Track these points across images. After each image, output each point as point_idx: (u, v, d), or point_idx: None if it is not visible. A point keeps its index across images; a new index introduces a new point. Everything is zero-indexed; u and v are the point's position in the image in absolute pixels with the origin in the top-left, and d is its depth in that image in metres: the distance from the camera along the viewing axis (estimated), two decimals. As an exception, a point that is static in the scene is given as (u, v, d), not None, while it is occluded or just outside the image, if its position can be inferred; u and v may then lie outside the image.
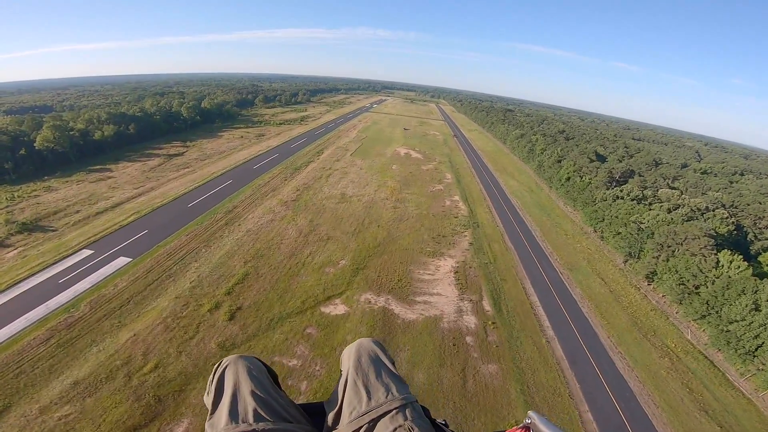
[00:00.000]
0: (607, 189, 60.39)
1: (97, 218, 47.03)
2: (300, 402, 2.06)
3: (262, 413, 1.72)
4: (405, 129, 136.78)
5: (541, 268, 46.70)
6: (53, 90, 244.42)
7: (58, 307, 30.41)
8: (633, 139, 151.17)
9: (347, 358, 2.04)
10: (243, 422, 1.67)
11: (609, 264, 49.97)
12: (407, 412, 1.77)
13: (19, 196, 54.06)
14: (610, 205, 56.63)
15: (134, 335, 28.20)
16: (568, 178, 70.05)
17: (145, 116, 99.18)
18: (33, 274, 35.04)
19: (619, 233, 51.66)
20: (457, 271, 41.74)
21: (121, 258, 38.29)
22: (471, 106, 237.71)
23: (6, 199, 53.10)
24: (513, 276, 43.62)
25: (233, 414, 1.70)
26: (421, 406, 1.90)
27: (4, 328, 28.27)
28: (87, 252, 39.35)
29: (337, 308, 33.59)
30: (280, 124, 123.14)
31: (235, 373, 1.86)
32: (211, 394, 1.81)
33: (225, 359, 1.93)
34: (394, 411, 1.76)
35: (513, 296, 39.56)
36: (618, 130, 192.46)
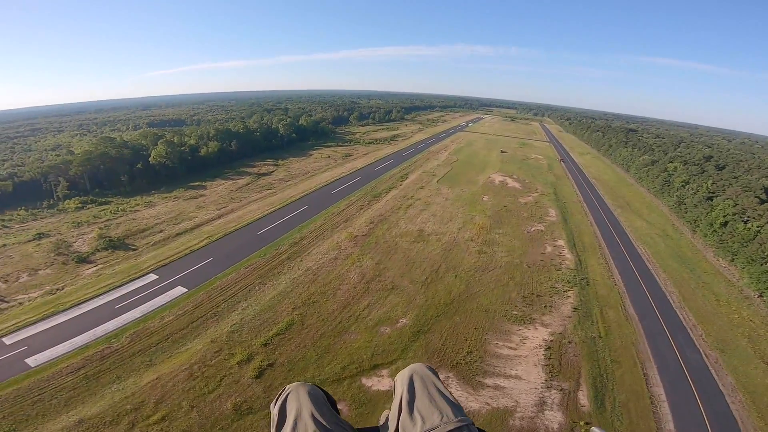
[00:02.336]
0: (794, 248, 42.43)
1: (175, 240, 47.37)
2: (358, 427, 2.12)
3: None
4: (502, 152, 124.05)
5: (676, 347, 33.41)
6: (190, 105, 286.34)
7: (103, 336, 30.10)
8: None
9: (401, 382, 2.10)
10: None
11: (781, 345, 34.10)
12: None
13: (122, 210, 58.38)
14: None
15: (157, 378, 26.29)
16: (725, 223, 52.19)
17: (247, 132, 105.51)
18: (98, 296, 35.35)
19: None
20: (549, 347, 31.19)
21: (179, 288, 36.90)
22: (582, 125, 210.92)
23: (111, 212, 57.65)
24: (631, 357, 31.49)
25: None
26: (478, 428, 1.89)
27: (48, 350, 28.67)
28: (152, 277, 38.97)
29: (381, 382, 26.67)
30: (369, 143, 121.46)
31: (297, 399, 1.97)
32: (275, 420, 1.92)
33: (288, 386, 2.09)
34: None
35: (626, 386, 28.21)
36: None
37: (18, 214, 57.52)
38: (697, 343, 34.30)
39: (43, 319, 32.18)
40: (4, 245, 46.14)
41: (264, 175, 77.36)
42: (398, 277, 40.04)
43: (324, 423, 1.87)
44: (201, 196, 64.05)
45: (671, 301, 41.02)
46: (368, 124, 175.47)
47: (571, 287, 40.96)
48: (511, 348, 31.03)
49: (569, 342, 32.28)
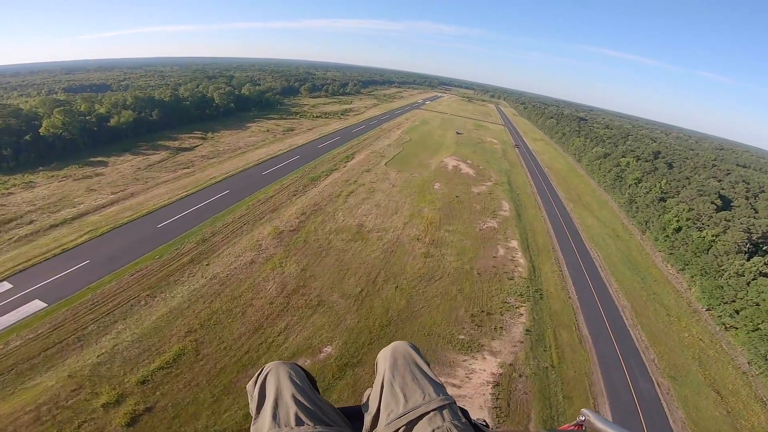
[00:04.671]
0: (748, 258, 40.92)
1: (48, 234, 37.06)
2: (339, 406, 2.08)
3: (303, 417, 1.75)
4: (458, 133, 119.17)
5: (629, 375, 30.37)
6: (124, 69, 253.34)
7: None
8: (738, 165, 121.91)
9: (383, 360, 2.06)
10: (285, 426, 1.71)
11: (728, 367, 33.12)
12: (445, 413, 1.75)
13: (-9, 192, 46.12)
14: (749, 283, 37.86)
15: None
16: (679, 229, 50.53)
17: (175, 101, 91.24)
18: None
19: (758, 329, 33.96)
20: (497, 383, 26.43)
21: (36, 302, 28.01)
22: (536, 111, 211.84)
23: (-25, 195, 45.30)
24: (584, 391, 27.88)
25: (276, 418, 1.74)
26: (460, 407, 1.89)
27: None
28: (6, 286, 29.71)
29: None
30: (317, 117, 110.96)
31: (276, 379, 1.92)
32: (255, 400, 1.87)
33: (267, 365, 2.01)
34: (432, 412, 1.74)
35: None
36: (715, 152, 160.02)
37: None
38: (649, 369, 31.50)
39: None
40: None
41: (185, 150, 66.03)
42: (327, 288, 33.21)
43: (305, 403, 1.82)
44: (98, 175, 52.47)
45: (624, 318, 38.15)
46: (320, 96, 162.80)
47: (524, 302, 36.43)
48: (455, 386, 25.73)
49: (520, 376, 27.65)
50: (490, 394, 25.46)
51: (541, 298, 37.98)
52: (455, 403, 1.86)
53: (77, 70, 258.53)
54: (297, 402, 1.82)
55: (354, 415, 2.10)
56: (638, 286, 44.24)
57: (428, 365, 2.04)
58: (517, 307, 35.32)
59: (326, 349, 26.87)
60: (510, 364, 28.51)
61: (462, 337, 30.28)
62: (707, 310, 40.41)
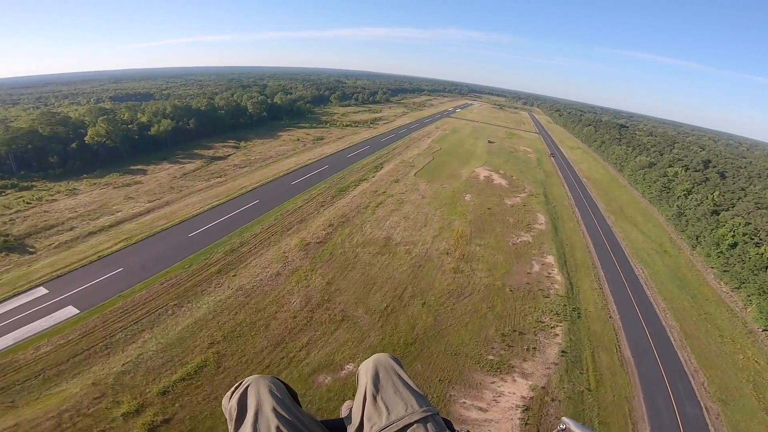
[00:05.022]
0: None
1: (86, 241, 38.38)
2: (321, 420, 2.07)
3: (285, 431, 1.72)
4: (489, 142, 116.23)
5: (675, 400, 27.70)
6: (167, 78, 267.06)
7: None
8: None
9: (364, 373, 2.05)
10: None
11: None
12: (428, 424, 1.75)
13: (38, 199, 48.55)
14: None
15: (15, 425, 20.48)
16: (734, 244, 46.09)
17: (211, 110, 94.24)
18: None
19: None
20: (527, 408, 24.52)
21: (69, 308, 28.70)
22: (573, 118, 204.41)
23: (23, 201, 47.67)
24: (623, 417, 25.65)
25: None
26: (443, 418, 1.89)
27: None
28: (41, 291, 30.54)
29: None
30: (347, 126, 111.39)
31: (257, 393, 1.88)
32: (234, 413, 1.83)
33: (246, 379, 1.98)
34: (416, 424, 1.74)
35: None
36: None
37: None
38: (698, 393, 28.62)
39: None
40: None
41: (218, 159, 67.60)
42: (352, 303, 32.19)
43: (286, 416, 1.79)
44: (136, 183, 54.34)
45: (672, 339, 34.87)
46: (350, 105, 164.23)
47: (560, 321, 34.01)
48: (481, 409, 24.05)
49: (552, 400, 25.64)
50: (519, 419, 23.56)
51: (579, 317, 35.37)
52: (438, 414, 1.84)
53: (124, 79, 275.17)
54: (278, 415, 1.77)
55: (336, 427, 2.06)
56: (688, 305, 40.49)
57: (410, 377, 2.00)
58: (552, 327, 33.04)
59: (348, 366, 25.75)
60: (542, 387, 26.51)
61: (491, 357, 28.49)
62: (764, 330, 36.56)
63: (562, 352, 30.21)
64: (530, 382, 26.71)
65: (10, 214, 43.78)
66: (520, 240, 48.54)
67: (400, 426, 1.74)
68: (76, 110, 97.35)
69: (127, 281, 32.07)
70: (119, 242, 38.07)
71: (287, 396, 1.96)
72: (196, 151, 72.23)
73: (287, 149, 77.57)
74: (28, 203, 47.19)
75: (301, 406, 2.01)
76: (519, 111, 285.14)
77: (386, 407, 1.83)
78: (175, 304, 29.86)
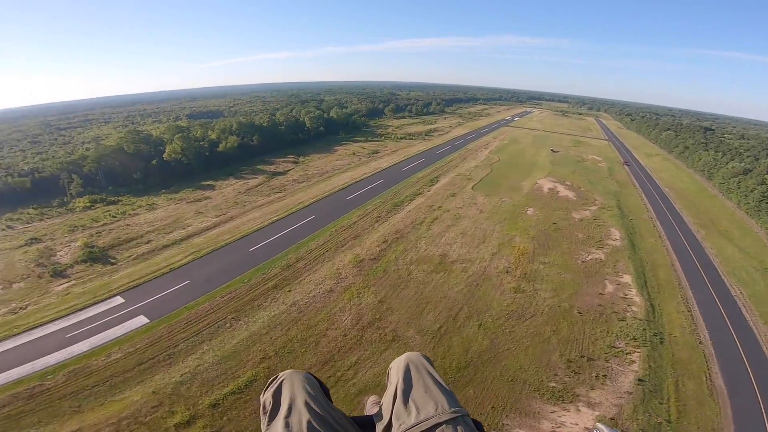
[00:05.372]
0: None
1: (160, 253, 41.32)
2: (351, 416, 2.09)
3: (315, 425, 1.75)
4: (553, 151, 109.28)
5: None
6: (234, 96, 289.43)
7: (41, 370, 25.74)
8: None
9: (396, 370, 2.05)
10: None
11: None
12: (458, 426, 1.72)
13: (122, 213, 53.55)
14: None
15: (78, 429, 21.76)
16: None
17: (272, 126, 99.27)
18: (54, 320, 30.49)
19: None
20: None
21: (141, 317, 30.80)
22: (647, 123, 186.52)
23: (111, 215, 52.96)
24: None
25: (288, 425, 1.75)
26: (473, 419, 1.87)
27: None
28: (117, 300, 33.13)
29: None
30: (401, 138, 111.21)
31: (291, 387, 1.93)
32: (269, 406, 1.89)
33: (281, 374, 2.04)
34: (444, 425, 1.72)
35: None
36: None
37: (27, 213, 54.65)
38: None
39: None
40: None
41: (279, 174, 70.43)
42: (403, 323, 30.88)
43: (318, 411, 1.83)
44: (205, 198, 58.04)
45: None
46: (404, 117, 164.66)
47: (639, 347, 30.08)
48: None
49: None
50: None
51: (662, 342, 31.02)
52: (468, 415, 1.81)
53: (199, 97, 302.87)
54: (310, 410, 1.81)
55: (366, 424, 2.07)
56: (799, 335, 33.65)
57: (441, 377, 2.00)
58: (628, 353, 29.29)
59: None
60: (611, 418, 23.50)
61: (553, 384, 25.71)
62: None
63: (639, 380, 26.72)
64: (597, 413, 23.75)
65: (98, 227, 48.67)
66: (590, 257, 44.01)
67: (429, 425, 1.71)
68: (157, 128, 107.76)
69: (193, 293, 33.77)
70: (188, 255, 40.44)
71: (320, 391, 1.99)
72: (258, 166, 76.00)
73: (343, 163, 78.95)
74: (113, 217, 52.22)
75: (332, 402, 2.04)
76: (584, 117, 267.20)
77: (416, 406, 1.81)
78: (233, 318, 30.77)
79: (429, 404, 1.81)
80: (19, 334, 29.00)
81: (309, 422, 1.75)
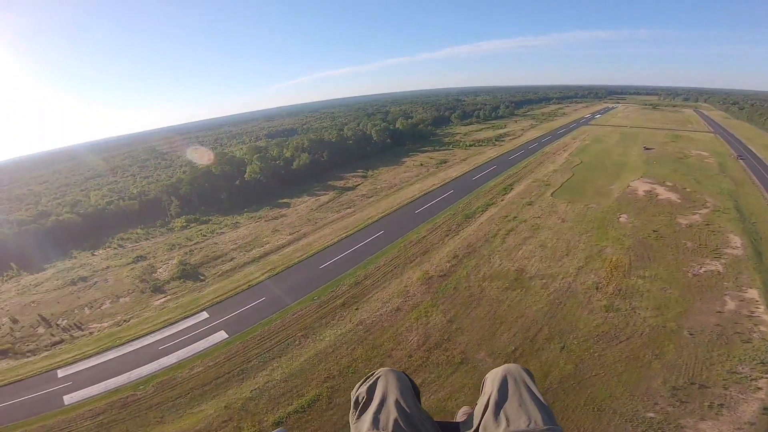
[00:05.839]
0: None
1: (241, 270, 44.17)
2: (437, 420, 2.08)
3: (402, 424, 1.77)
4: (646, 148, 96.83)
5: None
6: (306, 114, 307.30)
7: (135, 380, 28.24)
8: None
9: (491, 380, 2.02)
10: (383, 429, 1.76)
11: None
12: None
13: (211, 232, 58.34)
14: None
15: None
16: None
17: (341, 141, 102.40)
18: (151, 332, 33.59)
19: None
20: None
21: (221, 332, 32.78)
22: (761, 110, 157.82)
23: (202, 234, 58.00)
24: None
25: (376, 421, 1.80)
26: None
27: (85, 389, 27.85)
28: (203, 315, 35.75)
29: None
30: (470, 145, 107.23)
31: (385, 384, 1.98)
32: (361, 400, 1.96)
33: (378, 370, 2.10)
34: None
35: None
36: None
37: (136, 233, 62.35)
38: None
39: (98, 353, 31.73)
40: (108, 267, 48.84)
41: (348, 189, 71.75)
42: (474, 344, 28.47)
43: (407, 411, 1.84)
44: (282, 216, 61.02)
45: None
46: (471, 123, 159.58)
47: (767, 372, 24.26)
48: None
49: None
50: None
51: None
52: None
53: (275, 116, 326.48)
54: (399, 408, 1.83)
55: (451, 430, 2.09)
56: None
57: (540, 391, 1.91)
58: (753, 379, 23.86)
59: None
60: None
61: (651, 415, 21.77)
62: None
63: (765, 408, 21.73)
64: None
65: (191, 245, 53.45)
66: (703, 270, 36.92)
67: None
68: (240, 149, 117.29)
69: (268, 310, 35.12)
70: (265, 272, 42.38)
71: (411, 392, 2.02)
72: (329, 182, 78.40)
73: (411, 175, 78.04)
74: (204, 236, 57.12)
75: (421, 404, 2.06)
76: (680, 109, 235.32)
77: (507, 418, 1.76)
78: (302, 335, 31.19)
79: (522, 418, 1.72)
80: (121, 345, 32.21)
81: (396, 420, 1.77)
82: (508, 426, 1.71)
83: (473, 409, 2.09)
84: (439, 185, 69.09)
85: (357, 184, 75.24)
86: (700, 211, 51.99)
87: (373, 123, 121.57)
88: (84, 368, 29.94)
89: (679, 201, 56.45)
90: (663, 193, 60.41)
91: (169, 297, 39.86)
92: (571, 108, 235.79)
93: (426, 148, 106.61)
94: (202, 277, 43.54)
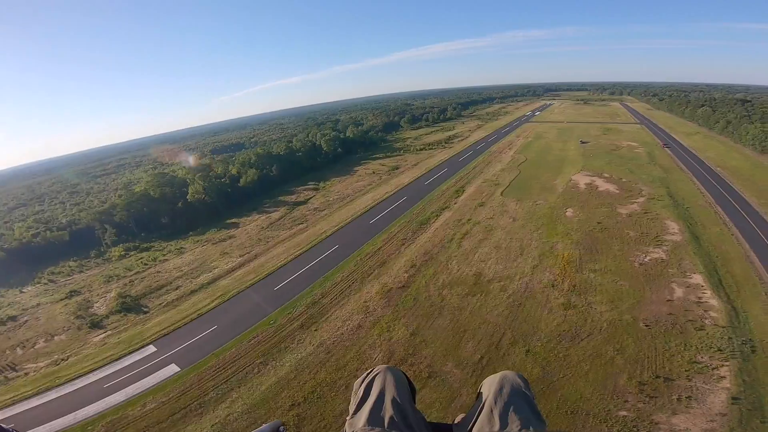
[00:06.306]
0: None
1: (188, 299, 40.94)
2: (431, 421, 2.12)
3: (397, 422, 1.81)
4: (582, 142, 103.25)
5: None
6: (254, 126, 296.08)
7: (82, 420, 26.11)
8: None
9: (488, 386, 2.04)
10: (378, 427, 1.79)
11: None
12: None
13: (153, 260, 53.82)
14: None
15: None
16: None
17: (290, 154, 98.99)
18: (93, 370, 31.05)
19: None
20: None
21: (172, 366, 30.47)
22: (677, 101, 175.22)
23: (141, 263, 53.22)
24: None
25: (372, 417, 1.82)
26: None
27: None
28: (151, 349, 33.15)
29: None
30: (421, 149, 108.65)
31: (382, 381, 2.01)
32: (359, 396, 1.98)
33: (377, 367, 2.13)
34: None
35: None
36: None
37: (68, 266, 56.34)
38: None
39: (37, 393, 29.04)
40: (38, 304, 44.39)
41: (300, 204, 69.34)
42: (440, 356, 27.84)
43: (402, 409, 1.88)
44: (230, 237, 57.47)
45: None
46: (421, 127, 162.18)
47: (726, 359, 25.54)
48: None
49: None
50: None
51: (754, 352, 26.25)
52: None
53: (220, 131, 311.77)
54: (395, 407, 1.86)
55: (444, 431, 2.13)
56: None
57: (534, 399, 1.96)
58: (714, 368, 24.89)
59: None
60: None
61: (624, 413, 22.04)
62: None
63: (733, 398, 22.54)
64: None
65: (131, 276, 49.04)
66: (649, 258, 39.11)
67: None
68: (182, 168, 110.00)
69: (221, 339, 32.72)
70: (215, 299, 39.46)
71: (407, 391, 2.04)
72: (280, 198, 75.46)
73: (364, 184, 77.05)
74: (145, 264, 52.51)
75: (415, 403, 2.09)
76: (608, 103, 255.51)
77: (501, 422, 1.78)
78: (260, 362, 29.32)
79: (515, 423, 1.76)
80: (62, 384, 29.62)
81: (391, 418, 1.81)
82: (501, 430, 1.74)
83: (466, 414, 2.13)
84: (392, 192, 68.68)
85: (309, 197, 73.02)
86: (637, 200, 55.57)
87: (323, 133, 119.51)
88: (25, 409, 27.75)
89: (618, 191, 60.14)
90: (602, 184, 64.19)
91: (109, 332, 36.61)
92: (513, 106, 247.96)
93: (377, 155, 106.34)
94: (145, 309, 40.11)
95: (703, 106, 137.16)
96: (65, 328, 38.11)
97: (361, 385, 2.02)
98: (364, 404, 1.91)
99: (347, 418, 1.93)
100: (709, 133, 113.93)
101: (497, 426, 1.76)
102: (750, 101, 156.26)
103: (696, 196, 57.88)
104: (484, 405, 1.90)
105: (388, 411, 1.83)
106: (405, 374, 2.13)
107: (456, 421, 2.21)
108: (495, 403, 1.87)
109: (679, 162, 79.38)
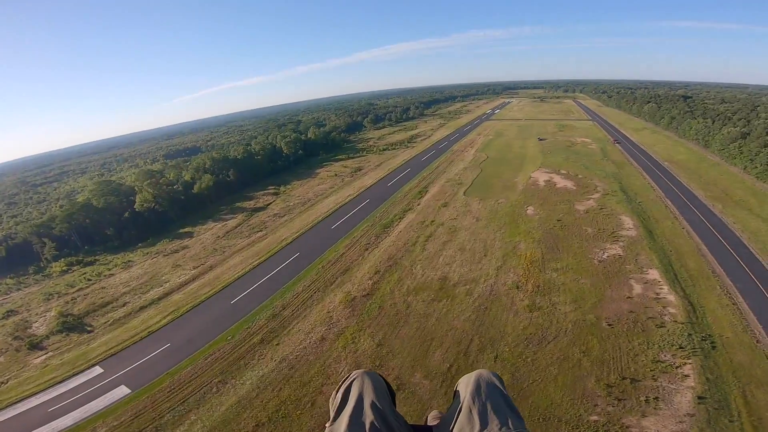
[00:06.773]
0: None
1: (137, 316, 38.10)
2: (412, 424, 2.09)
3: (378, 426, 1.79)
4: (540, 139, 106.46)
5: None
6: (211, 128, 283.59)
7: None
8: None
9: (464, 385, 2.04)
10: (359, 431, 1.77)
11: None
12: None
13: (97, 275, 49.67)
14: None
15: None
16: None
17: (248, 157, 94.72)
18: (35, 393, 28.84)
19: None
20: None
21: (122, 387, 28.34)
22: (625, 98, 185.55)
23: (85, 279, 48.86)
24: None
25: (352, 423, 1.79)
26: None
27: None
28: (97, 371, 30.77)
29: None
30: (384, 150, 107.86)
31: (360, 386, 1.98)
32: (337, 402, 1.95)
33: (354, 372, 2.08)
34: None
35: None
36: None
37: (5, 283, 51.21)
38: None
39: None
40: None
41: (259, 210, 66.30)
42: (407, 367, 26.93)
43: (382, 414, 1.85)
44: (183, 248, 53.82)
45: None
46: (384, 127, 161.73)
47: (688, 357, 26.03)
48: None
49: None
50: None
51: (714, 348, 27.05)
52: None
53: (175, 134, 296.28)
54: (375, 410, 1.84)
55: None
56: None
57: (509, 396, 1.97)
58: (677, 366, 25.32)
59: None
60: None
61: (595, 418, 22.05)
62: None
63: (699, 397, 22.92)
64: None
65: (73, 293, 45.14)
66: (607, 255, 40.15)
67: None
68: (131, 175, 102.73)
69: (175, 357, 30.72)
70: (167, 315, 36.85)
71: (386, 395, 2.02)
72: (237, 204, 72.01)
73: (326, 187, 75.01)
74: (89, 280, 48.31)
75: (396, 407, 2.07)
76: (562, 100, 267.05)
77: (481, 422, 1.79)
78: (219, 381, 27.58)
79: (494, 422, 1.78)
80: (3, 408, 27.70)
81: (372, 423, 1.78)
82: (481, 429, 1.74)
83: (444, 414, 2.13)
84: (355, 195, 67.17)
85: (268, 202, 70.03)
86: (593, 196, 57.40)
87: (284, 135, 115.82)
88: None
89: (575, 188, 61.97)
90: (560, 181, 66.00)
91: (51, 353, 33.81)
92: (474, 105, 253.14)
93: (340, 157, 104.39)
94: (89, 328, 37.16)
95: (649, 102, 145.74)
96: (2, 350, 35.29)
97: (339, 391, 1.97)
98: (343, 410, 1.86)
99: (327, 424, 1.87)
100: (655, 128, 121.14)
101: (477, 425, 1.76)
102: (691, 97, 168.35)
103: (647, 190, 60.70)
104: (462, 405, 1.89)
105: (368, 416, 1.79)
106: (383, 377, 2.10)
107: (431, 421, 2.24)
108: (473, 402, 1.87)
109: (629, 157, 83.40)
